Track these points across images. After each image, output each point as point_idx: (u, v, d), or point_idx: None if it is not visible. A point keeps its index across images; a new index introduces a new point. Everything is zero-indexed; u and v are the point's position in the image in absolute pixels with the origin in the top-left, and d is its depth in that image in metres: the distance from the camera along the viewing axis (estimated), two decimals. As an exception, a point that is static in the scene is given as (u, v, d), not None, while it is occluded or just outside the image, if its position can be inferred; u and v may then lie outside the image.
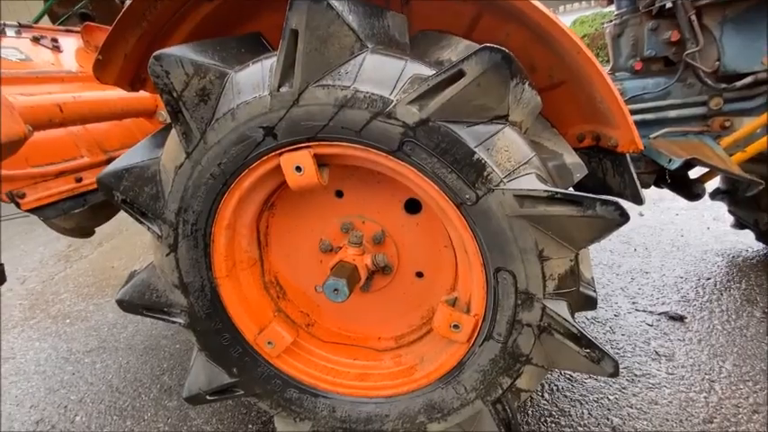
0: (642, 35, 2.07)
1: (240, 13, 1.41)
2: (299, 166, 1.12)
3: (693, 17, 1.88)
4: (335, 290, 1.31)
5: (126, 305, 1.43)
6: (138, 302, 1.42)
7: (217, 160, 1.22)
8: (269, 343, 1.50)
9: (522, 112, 1.08)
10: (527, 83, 0.99)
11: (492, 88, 0.96)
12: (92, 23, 2.26)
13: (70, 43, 2.10)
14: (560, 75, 1.34)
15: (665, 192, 2.28)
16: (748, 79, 1.88)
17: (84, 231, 2.18)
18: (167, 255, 1.35)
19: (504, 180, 1.00)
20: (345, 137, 1.06)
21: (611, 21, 2.21)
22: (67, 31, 2.43)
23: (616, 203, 0.99)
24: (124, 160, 1.32)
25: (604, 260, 2.92)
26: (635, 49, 2.11)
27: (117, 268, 3.58)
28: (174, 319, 1.33)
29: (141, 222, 1.35)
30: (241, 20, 1.45)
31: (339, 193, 1.47)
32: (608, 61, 2.25)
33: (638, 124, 1.99)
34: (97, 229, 2.24)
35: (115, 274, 3.50)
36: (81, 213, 2.03)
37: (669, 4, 1.95)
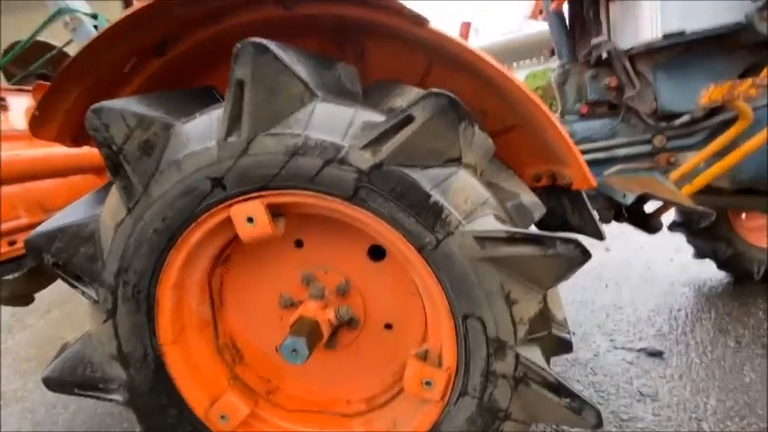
0: (584, 82, 2.25)
1: (193, 67, 1.43)
2: (250, 217, 1.10)
3: (627, 64, 2.07)
4: (294, 350, 1.22)
5: (54, 383, 1.29)
6: (70, 379, 1.29)
7: (161, 215, 1.17)
8: (222, 417, 1.35)
9: (475, 155, 1.10)
10: (476, 126, 1.02)
11: (441, 132, 0.97)
12: (43, 82, 2.23)
13: (20, 102, 2.05)
14: (511, 119, 1.39)
15: (625, 226, 2.36)
16: (685, 118, 2.05)
17: (21, 299, 2.00)
18: (104, 322, 1.25)
19: (463, 222, 1.00)
20: (299, 185, 1.05)
21: (554, 70, 2.41)
22: (19, 90, 2.39)
23: (576, 241, 0.99)
24: (58, 220, 1.25)
25: (578, 297, 2.95)
26: (579, 95, 2.29)
27: (66, 339, 3.28)
28: (112, 397, 1.23)
29: (75, 287, 1.26)
30: (195, 75, 1.47)
31: (298, 243, 1.44)
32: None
33: (591, 163, 2.10)
34: (46, 295, 2.04)
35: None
36: (16, 279, 1.87)
37: (605, 55, 2.15)
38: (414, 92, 1.21)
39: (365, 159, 0.99)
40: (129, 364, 1.30)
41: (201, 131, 1.12)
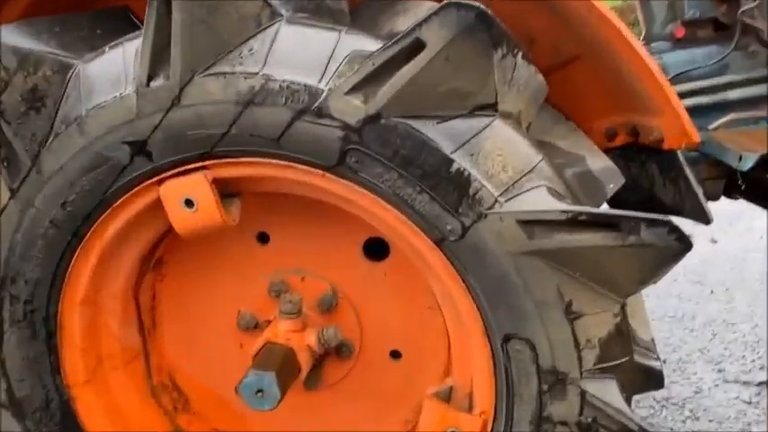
0: None
1: None
2: (189, 198, 1.13)
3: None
4: (259, 391, 1.21)
5: None
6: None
7: (60, 198, 1.16)
8: None
9: (519, 99, 1.07)
10: (519, 56, 1.02)
11: (467, 63, 0.97)
12: None
13: None
14: (573, 47, 1.36)
15: (743, 204, 2.30)
16: None
17: None
18: (-17, 355, 1.28)
19: (501, 199, 1.01)
20: (258, 149, 1.07)
21: None
22: None
23: (669, 223, 0.97)
24: None
25: (670, 310, 2.91)
26: (672, 11, 2.21)
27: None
28: None
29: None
30: None
31: (263, 237, 1.44)
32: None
33: (691, 111, 2.03)
34: None
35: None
36: None
37: None
38: (424, 6, 1.18)
39: (354, 109, 1.00)
40: (25, 415, 1.30)
41: (113, 74, 1.10)
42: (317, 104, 1.01)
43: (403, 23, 1.15)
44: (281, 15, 1.05)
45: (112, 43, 1.13)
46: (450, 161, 1.01)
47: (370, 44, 1.04)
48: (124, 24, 1.28)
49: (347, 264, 1.41)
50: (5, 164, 1.15)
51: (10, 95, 1.10)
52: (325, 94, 1.01)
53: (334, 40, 1.03)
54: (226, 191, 1.18)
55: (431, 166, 1.02)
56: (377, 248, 1.39)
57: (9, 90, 1.10)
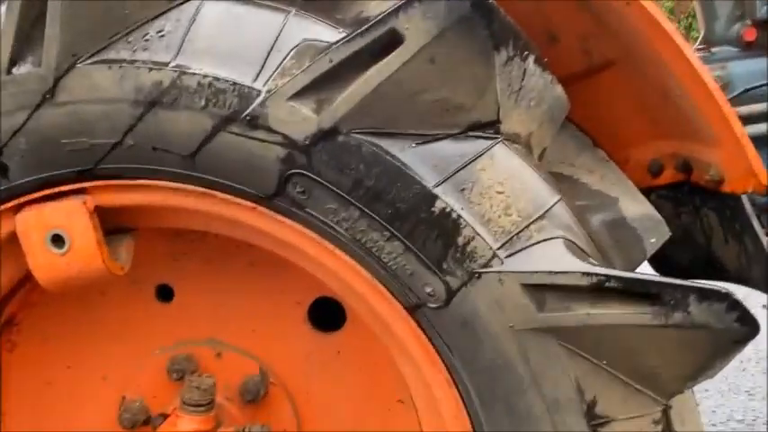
0: None
1: None
2: (58, 234, 1.14)
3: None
4: None
5: None
6: None
7: None
8: None
9: (529, 116, 1.11)
10: (531, 58, 1.06)
11: (459, 67, 1.01)
12: None
13: None
14: (605, 50, 1.41)
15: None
16: None
17: None
18: None
19: (501, 253, 1.03)
20: (162, 168, 1.10)
21: None
22: None
23: (729, 297, 0.99)
24: None
25: (737, 412, 2.94)
26: (740, 8, 2.32)
27: None
28: None
29: None
30: None
31: (164, 293, 1.46)
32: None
33: (761, 142, 2.12)
34: None
35: None
36: None
37: None
38: None
39: (302, 120, 1.03)
40: None
41: None
42: (249, 111, 1.03)
43: (376, 7, 1.17)
44: None
45: None
46: (433, 198, 1.03)
47: (327, 32, 1.07)
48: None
49: (284, 334, 1.43)
50: None
51: None
52: (261, 98, 1.02)
53: (277, 24, 1.06)
54: (113, 225, 1.19)
55: (406, 204, 1.04)
56: (327, 315, 1.42)
57: None
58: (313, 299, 1.41)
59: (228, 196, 1.10)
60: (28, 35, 1.07)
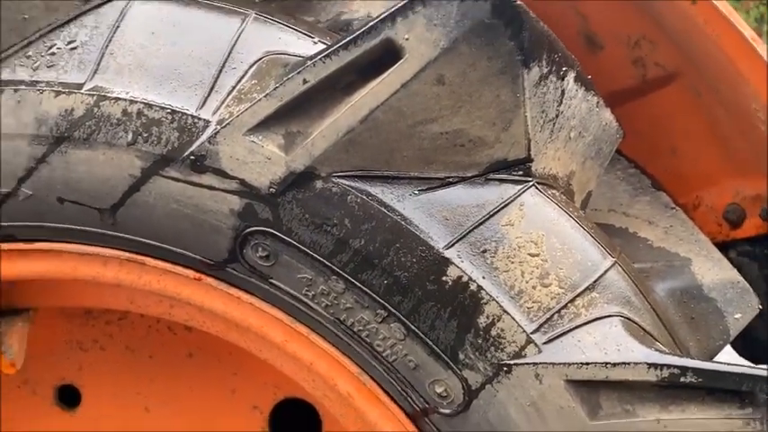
0: None
1: None
2: None
3: None
4: None
5: None
6: None
7: None
8: None
9: (569, 151, 1.09)
10: (572, 75, 1.05)
11: (477, 89, 0.99)
12: None
13: None
14: (664, 60, 1.41)
15: None
16: None
17: None
18: None
19: (538, 339, 1.01)
20: (72, 226, 1.08)
21: None
22: None
23: None
24: None
25: None
26: None
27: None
28: None
29: None
30: None
31: (68, 396, 1.44)
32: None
33: None
34: None
35: None
36: None
37: None
38: None
39: (267, 160, 1.01)
40: None
41: None
42: (193, 148, 1.01)
43: (362, 7, 1.20)
44: None
45: None
46: (444, 263, 1.01)
47: (297, 43, 1.06)
48: None
49: None
50: None
51: None
52: (210, 131, 1.01)
53: (231, 31, 1.05)
54: (7, 303, 1.18)
55: (407, 272, 1.02)
56: (295, 422, 1.42)
57: None
58: (275, 401, 1.40)
59: (163, 264, 1.08)
60: None
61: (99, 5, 1.05)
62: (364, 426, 1.15)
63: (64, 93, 1.02)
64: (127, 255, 1.08)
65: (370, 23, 0.97)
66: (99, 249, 1.08)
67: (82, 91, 1.03)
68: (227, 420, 1.41)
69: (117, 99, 1.02)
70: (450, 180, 1.03)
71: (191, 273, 1.07)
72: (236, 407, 1.40)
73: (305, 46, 1.06)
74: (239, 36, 1.05)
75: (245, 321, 1.11)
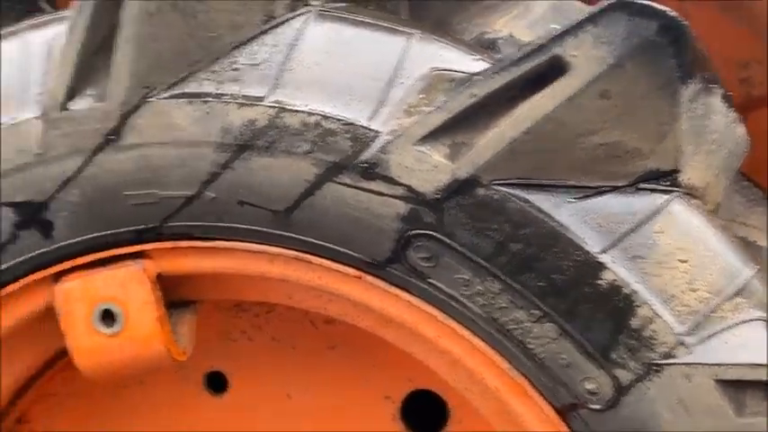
0: None
1: None
2: (108, 309, 1.13)
3: None
4: None
5: None
6: None
7: None
8: None
9: (708, 164, 1.08)
10: (719, 93, 1.04)
11: (639, 103, 0.99)
12: None
13: None
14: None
15: None
16: None
17: None
18: None
19: (688, 340, 1.00)
20: (247, 227, 1.10)
21: None
22: None
23: None
24: None
25: None
26: None
27: None
28: None
29: None
30: None
31: (216, 382, 1.45)
32: None
33: None
34: None
35: None
36: None
37: None
38: (542, 4, 1.23)
39: (432, 168, 1.02)
40: None
41: (3, 82, 1.11)
42: (365, 157, 1.03)
43: (504, 26, 1.20)
44: (309, 5, 1.09)
45: (5, 30, 1.16)
46: (599, 267, 1.01)
47: (460, 60, 1.07)
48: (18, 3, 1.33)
49: None
50: None
51: None
52: (381, 141, 1.02)
53: (399, 49, 1.06)
54: (173, 297, 1.18)
55: (563, 275, 1.02)
56: (423, 413, 1.42)
57: None
58: (407, 392, 1.40)
59: (327, 262, 1.09)
60: (90, 63, 1.08)
61: (277, 26, 1.07)
62: (508, 417, 1.15)
63: (247, 105, 1.04)
64: (294, 253, 1.09)
65: (540, 42, 0.99)
66: (269, 248, 1.10)
67: (264, 103, 1.04)
68: (360, 408, 1.41)
69: (296, 111, 1.04)
70: (604, 189, 1.03)
71: (352, 271, 1.08)
72: (370, 396, 1.41)
73: (465, 62, 1.06)
74: (406, 54, 1.06)
75: (399, 317, 1.11)
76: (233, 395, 1.43)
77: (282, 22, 1.07)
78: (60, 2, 1.38)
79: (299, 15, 1.08)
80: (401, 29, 1.10)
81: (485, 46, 1.14)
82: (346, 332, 1.34)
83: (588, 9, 1.04)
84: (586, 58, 0.97)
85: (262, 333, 1.42)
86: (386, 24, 1.10)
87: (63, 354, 1.31)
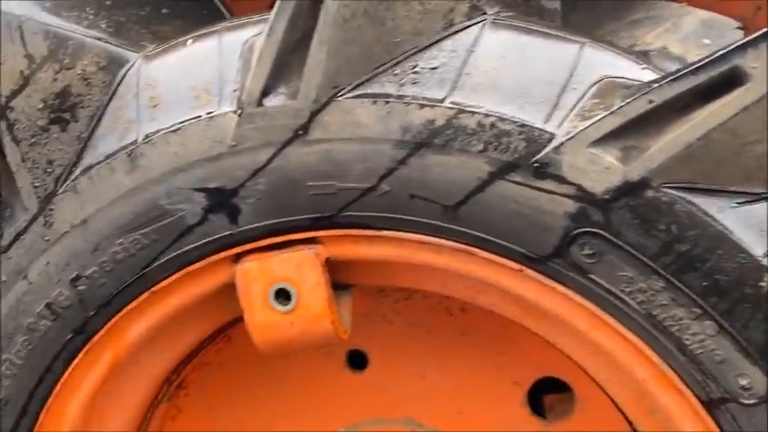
0: None
1: None
2: (284, 288, 1.16)
3: None
4: None
5: None
6: None
7: (72, 269, 1.18)
8: None
9: None
10: None
11: None
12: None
13: None
14: None
15: None
16: None
17: None
18: None
19: None
20: (415, 218, 1.11)
21: None
22: None
23: None
24: None
25: None
26: None
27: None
28: None
29: None
30: None
31: (357, 360, 1.47)
32: None
33: None
34: None
35: None
36: None
37: None
38: (693, 17, 1.22)
39: (605, 170, 1.01)
40: None
41: (197, 80, 1.13)
42: (539, 157, 1.02)
43: (655, 39, 1.20)
44: (485, 12, 1.08)
45: (200, 32, 1.18)
46: (762, 270, 0.99)
47: (628, 67, 1.06)
48: (201, 6, 1.35)
49: (496, 419, 1.42)
50: (-5, 205, 1.16)
51: (28, 99, 1.13)
52: (556, 143, 1.02)
53: (571, 56, 1.06)
54: (335, 281, 1.20)
55: (727, 276, 1.00)
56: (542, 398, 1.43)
57: (28, 91, 1.13)
58: (534, 379, 1.39)
59: (490, 255, 1.09)
60: (284, 64, 1.09)
61: (456, 33, 1.07)
62: (649, 408, 1.14)
63: (427, 106, 1.05)
64: (458, 245, 1.09)
65: (720, 53, 0.98)
66: (434, 239, 1.10)
67: (443, 105, 1.04)
68: (490, 392, 1.41)
69: (473, 112, 1.04)
70: (764, 196, 1.02)
71: (514, 264, 1.08)
72: (499, 381, 1.40)
73: (634, 71, 1.06)
74: (578, 60, 1.05)
75: (552, 309, 1.11)
76: (371, 373, 1.44)
77: (460, 30, 1.07)
78: (235, 6, 1.40)
79: (475, 23, 1.08)
80: (572, 37, 1.09)
81: (642, 56, 1.14)
82: (478, 320, 1.35)
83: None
84: (766, 70, 0.96)
85: (400, 317, 1.42)
86: (558, 33, 1.10)
87: (225, 328, 1.36)
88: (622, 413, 1.23)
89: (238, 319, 1.30)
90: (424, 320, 1.42)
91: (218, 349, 1.45)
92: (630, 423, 1.23)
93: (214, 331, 1.35)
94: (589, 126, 1.01)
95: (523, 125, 1.03)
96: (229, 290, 1.18)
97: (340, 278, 1.21)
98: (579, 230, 1.04)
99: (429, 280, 1.23)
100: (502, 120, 1.04)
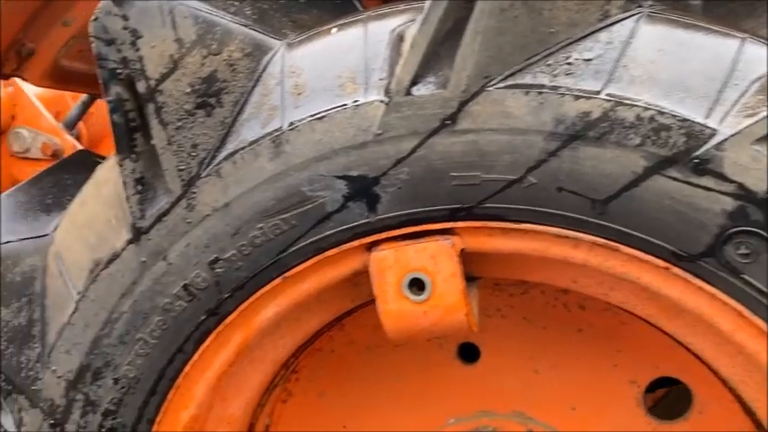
0: None
1: None
2: (418, 278, 1.14)
3: None
4: None
5: None
6: None
7: (211, 252, 1.18)
8: None
9: None
10: None
11: None
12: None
13: None
14: None
15: None
16: None
17: None
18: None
19: None
20: (560, 212, 1.07)
21: None
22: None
23: None
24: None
25: None
26: None
27: None
28: None
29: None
30: None
31: (468, 352, 1.44)
32: None
33: None
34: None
35: None
36: None
37: None
38: None
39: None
40: None
41: (355, 69, 1.12)
42: (699, 153, 0.98)
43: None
44: (640, 5, 1.05)
45: (344, 21, 1.17)
46: None
47: None
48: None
49: (610, 418, 1.38)
50: (138, 186, 1.17)
51: (176, 83, 1.14)
52: (717, 139, 0.98)
53: (731, 51, 1.02)
54: (466, 272, 1.17)
55: None
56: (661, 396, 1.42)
57: (177, 74, 1.14)
58: (652, 379, 1.35)
59: (635, 251, 1.05)
60: (434, 53, 1.08)
61: (611, 25, 1.04)
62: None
63: (583, 97, 1.02)
64: (603, 240, 1.06)
65: None
66: (577, 234, 1.07)
67: (599, 96, 1.01)
68: (604, 390, 1.38)
69: (632, 105, 1.01)
70: None
71: (660, 262, 1.04)
72: (615, 379, 1.36)
73: None
74: (739, 55, 1.02)
75: (696, 309, 1.06)
76: (483, 366, 1.42)
77: (616, 22, 1.04)
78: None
79: (631, 16, 1.05)
80: (731, 33, 1.05)
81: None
82: (596, 318, 1.32)
83: None
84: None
85: (514, 311, 1.40)
86: (716, 28, 1.06)
87: (342, 316, 1.35)
88: (751, 416, 1.19)
89: (356, 308, 1.30)
90: (539, 315, 1.39)
91: (330, 336, 1.44)
92: (759, 426, 1.19)
93: (333, 320, 1.35)
94: (755, 123, 0.97)
95: (684, 120, 1.00)
96: (357, 278, 1.18)
97: (470, 270, 1.18)
98: (736, 229, 0.99)
99: (560, 275, 1.20)
100: (661, 113, 1.00)
